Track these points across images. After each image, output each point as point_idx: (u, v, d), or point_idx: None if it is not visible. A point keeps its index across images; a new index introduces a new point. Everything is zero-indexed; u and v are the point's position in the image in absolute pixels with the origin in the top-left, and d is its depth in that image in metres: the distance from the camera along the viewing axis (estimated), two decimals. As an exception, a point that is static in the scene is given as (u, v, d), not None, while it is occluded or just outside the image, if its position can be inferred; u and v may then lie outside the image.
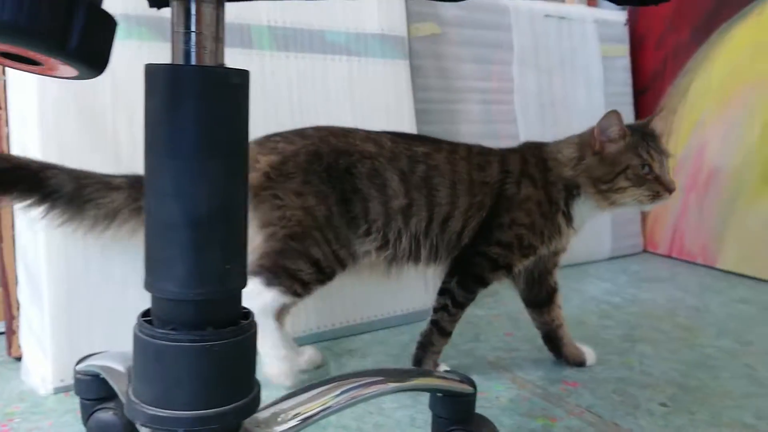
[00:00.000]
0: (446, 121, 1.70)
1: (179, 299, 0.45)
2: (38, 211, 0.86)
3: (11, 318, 1.12)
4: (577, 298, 1.59)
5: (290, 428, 0.59)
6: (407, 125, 1.43)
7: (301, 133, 1.03)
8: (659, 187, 1.02)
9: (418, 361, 1.09)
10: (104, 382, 0.68)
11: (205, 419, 0.45)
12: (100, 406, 0.71)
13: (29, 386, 1.04)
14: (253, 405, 0.49)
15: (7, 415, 0.95)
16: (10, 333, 1.12)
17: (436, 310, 1.09)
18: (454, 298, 1.07)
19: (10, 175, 0.83)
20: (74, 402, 0.80)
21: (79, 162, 0.92)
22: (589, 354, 1.18)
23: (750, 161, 1.79)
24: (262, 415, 0.56)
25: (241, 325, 0.47)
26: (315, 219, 0.98)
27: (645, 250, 2.13)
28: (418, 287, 1.40)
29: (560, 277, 1.19)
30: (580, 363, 1.17)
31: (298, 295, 0.99)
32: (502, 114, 1.80)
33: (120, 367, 0.64)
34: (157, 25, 1.12)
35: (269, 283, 0.96)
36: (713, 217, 1.92)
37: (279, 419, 0.58)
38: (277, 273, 0.97)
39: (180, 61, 0.45)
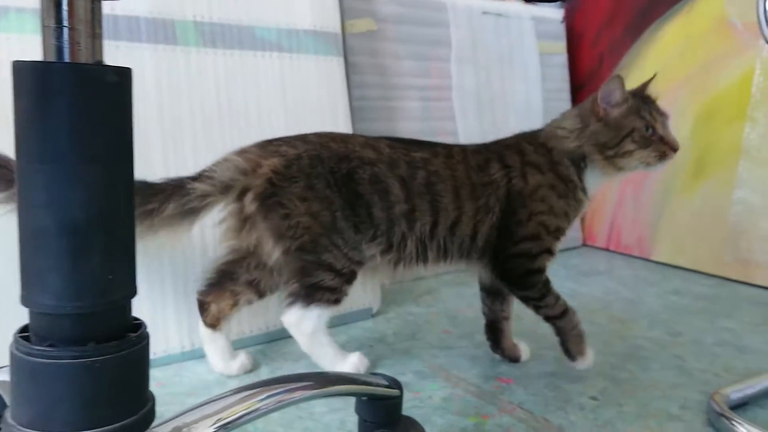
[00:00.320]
0: (384, 119, 1.69)
1: (56, 313, 0.42)
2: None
3: None
4: (515, 294, 1.60)
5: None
6: (342, 123, 1.41)
7: (302, 138, 1.03)
8: (665, 147, 1.03)
9: (567, 351, 1.10)
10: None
11: (88, 440, 0.42)
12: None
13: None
14: (145, 422, 0.46)
15: None
16: None
17: (536, 312, 1.10)
18: (532, 298, 1.09)
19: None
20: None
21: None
22: (525, 350, 1.19)
23: (682, 156, 1.83)
24: (163, 429, 0.54)
25: (127, 339, 0.45)
26: (321, 224, 0.98)
27: (584, 244, 2.17)
28: (355, 286, 1.38)
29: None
30: (514, 359, 1.17)
31: (337, 301, 1.02)
32: (440, 111, 1.80)
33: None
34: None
35: (306, 305, 1.00)
36: (648, 211, 1.97)
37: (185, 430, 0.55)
38: (307, 293, 1.00)
39: (51, 58, 0.42)
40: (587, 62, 2.18)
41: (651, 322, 1.41)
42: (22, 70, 0.41)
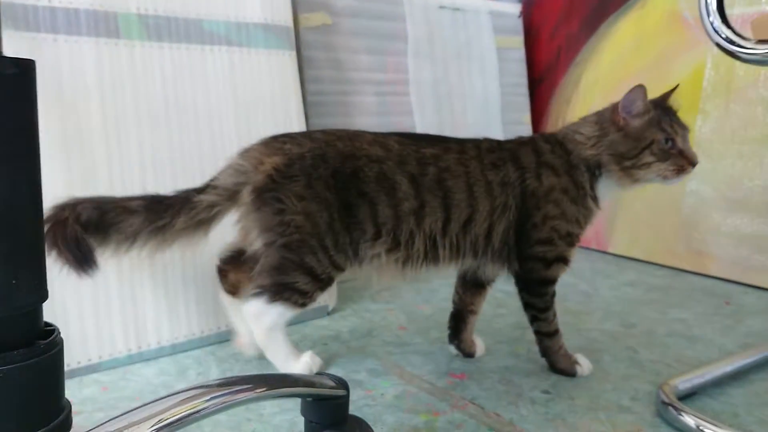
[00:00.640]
0: (341, 114, 1.67)
1: (-46, 321, 0.39)
2: None
3: None
4: (473, 288, 1.60)
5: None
6: (295, 118, 1.38)
7: (309, 136, 1.02)
8: (683, 161, 1.01)
9: (552, 364, 1.11)
10: None
11: (-7, 454, 0.40)
12: None
13: None
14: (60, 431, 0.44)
15: None
16: None
17: (531, 322, 1.11)
18: (536, 307, 1.09)
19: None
20: None
21: None
22: (480, 347, 1.18)
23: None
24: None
25: (36, 346, 0.42)
26: (315, 225, 0.97)
27: (544, 238, 2.18)
28: (310, 285, 1.37)
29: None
30: (469, 354, 1.17)
31: (301, 305, 1.01)
32: (397, 106, 1.78)
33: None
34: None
35: (272, 301, 0.99)
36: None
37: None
38: (276, 290, 0.99)
39: (-56, 48, 0.39)
40: (545, 56, 2.19)
41: (605, 314, 1.43)
42: None
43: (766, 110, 1.62)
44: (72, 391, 1.02)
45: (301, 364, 1.06)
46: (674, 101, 1.08)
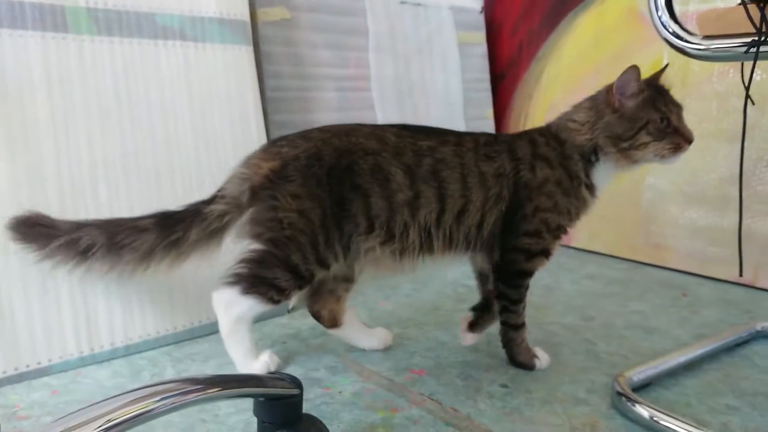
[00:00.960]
0: (301, 110, 1.65)
1: None
2: (82, 268, 0.96)
3: None
4: (436, 283, 1.60)
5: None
6: (253, 114, 1.37)
7: (305, 136, 1.03)
8: (680, 138, 1.01)
9: (511, 357, 1.12)
10: None
11: None
12: None
13: None
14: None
15: None
16: None
17: (500, 312, 1.10)
18: (509, 298, 1.09)
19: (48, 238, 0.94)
20: None
21: None
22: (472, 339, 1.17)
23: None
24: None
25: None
26: (309, 222, 0.98)
27: (508, 232, 2.19)
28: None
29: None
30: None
31: (275, 302, 1.01)
32: (359, 101, 1.77)
33: None
34: None
35: (246, 292, 0.98)
36: (566, 198, 2.01)
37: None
38: (253, 282, 0.98)
39: None
40: (507, 52, 2.20)
41: (566, 307, 1.44)
42: None
43: (720, 105, 1.65)
44: (20, 395, 0.99)
45: (260, 363, 1.04)
46: (665, 80, 1.08)
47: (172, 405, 0.67)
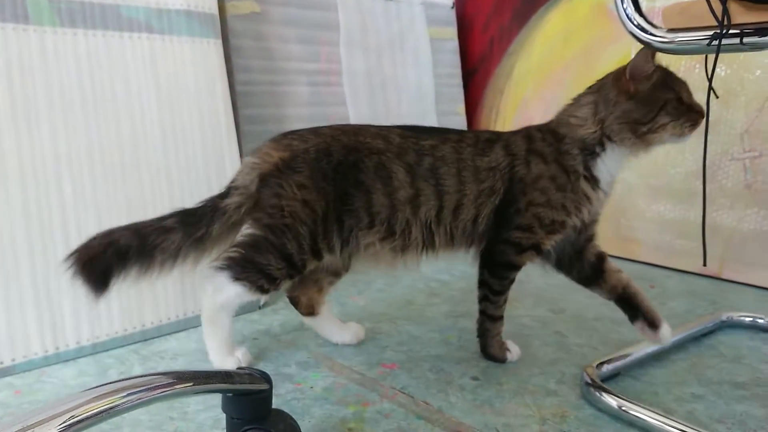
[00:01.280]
0: (272, 104, 1.64)
1: None
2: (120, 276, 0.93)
3: None
4: (407, 278, 1.60)
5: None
6: (222, 108, 1.35)
7: (315, 131, 1.05)
8: (695, 114, 0.99)
9: (484, 347, 1.13)
10: None
11: None
12: None
13: None
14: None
15: None
16: None
17: (480, 300, 1.11)
18: (491, 288, 1.09)
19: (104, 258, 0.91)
20: None
21: None
22: (665, 330, 1.06)
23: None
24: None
25: None
26: (311, 212, 0.99)
27: (480, 227, 2.20)
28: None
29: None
30: (653, 324, 1.06)
31: (264, 290, 1.00)
32: (330, 96, 1.76)
33: None
34: None
35: (235, 278, 0.98)
36: (537, 193, 2.02)
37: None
38: (244, 267, 0.98)
39: None
40: (478, 47, 2.21)
41: (536, 300, 1.45)
42: None
43: (686, 100, 1.67)
44: (-19, 396, 0.97)
45: (233, 359, 1.03)
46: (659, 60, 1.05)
47: (138, 401, 0.66)
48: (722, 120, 1.60)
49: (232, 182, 1.03)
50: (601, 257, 1.11)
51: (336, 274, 1.16)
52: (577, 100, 1.08)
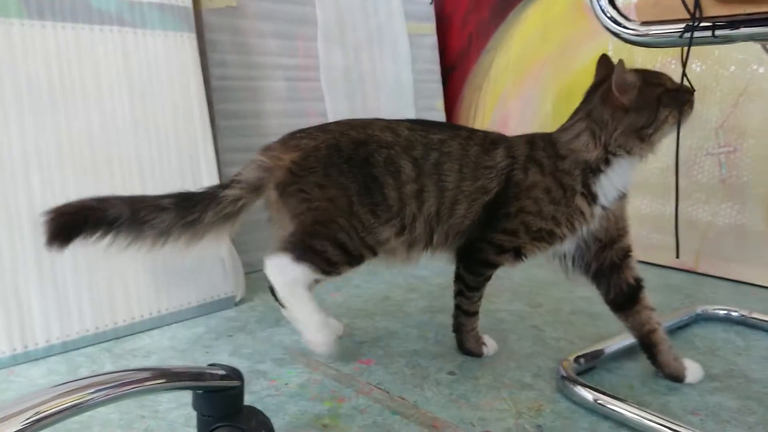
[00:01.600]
0: (248, 99, 1.62)
1: None
2: (106, 240, 0.93)
3: None
4: (386, 274, 1.59)
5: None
6: (196, 102, 1.33)
7: (323, 128, 1.05)
8: (686, 94, 0.99)
9: (460, 342, 1.13)
10: None
11: None
12: None
13: None
14: None
15: None
16: None
17: (455, 295, 1.11)
18: (466, 283, 1.09)
19: (79, 218, 0.91)
20: None
21: None
22: (693, 370, 1.04)
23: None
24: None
25: None
26: (338, 208, 0.99)
27: (459, 223, 2.20)
28: (216, 274, 1.32)
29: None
30: (677, 377, 1.03)
31: (327, 272, 1.01)
32: (308, 91, 1.75)
33: None
34: None
35: (298, 259, 0.98)
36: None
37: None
38: (305, 250, 0.99)
39: None
40: (457, 43, 2.21)
41: (513, 294, 1.45)
42: None
43: (662, 95, 1.68)
44: (-54, 396, 0.94)
45: (326, 332, 1.01)
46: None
47: (106, 397, 0.64)
48: (697, 115, 1.61)
49: (236, 175, 1.03)
50: (639, 283, 1.08)
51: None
52: (570, 129, 1.04)
